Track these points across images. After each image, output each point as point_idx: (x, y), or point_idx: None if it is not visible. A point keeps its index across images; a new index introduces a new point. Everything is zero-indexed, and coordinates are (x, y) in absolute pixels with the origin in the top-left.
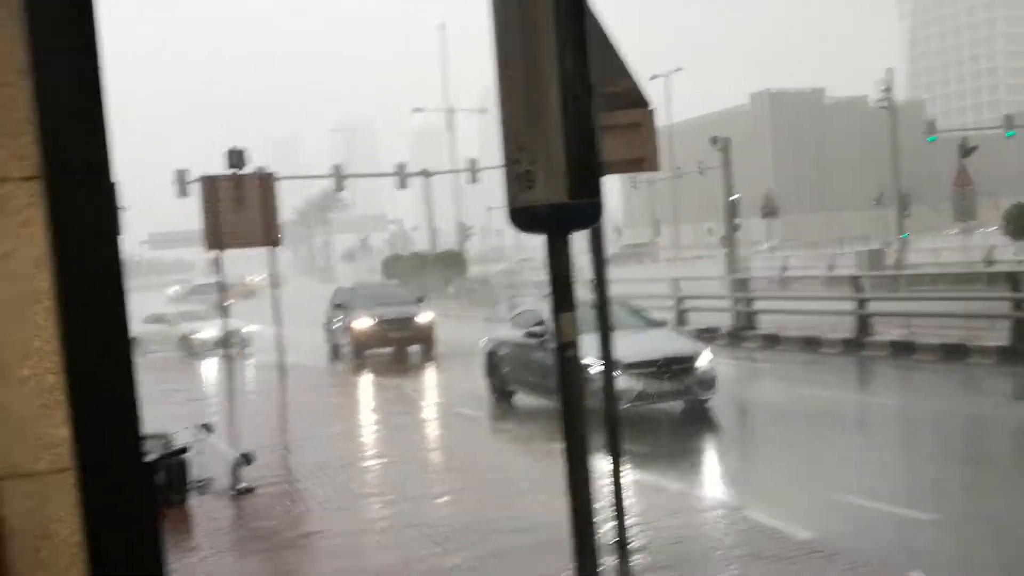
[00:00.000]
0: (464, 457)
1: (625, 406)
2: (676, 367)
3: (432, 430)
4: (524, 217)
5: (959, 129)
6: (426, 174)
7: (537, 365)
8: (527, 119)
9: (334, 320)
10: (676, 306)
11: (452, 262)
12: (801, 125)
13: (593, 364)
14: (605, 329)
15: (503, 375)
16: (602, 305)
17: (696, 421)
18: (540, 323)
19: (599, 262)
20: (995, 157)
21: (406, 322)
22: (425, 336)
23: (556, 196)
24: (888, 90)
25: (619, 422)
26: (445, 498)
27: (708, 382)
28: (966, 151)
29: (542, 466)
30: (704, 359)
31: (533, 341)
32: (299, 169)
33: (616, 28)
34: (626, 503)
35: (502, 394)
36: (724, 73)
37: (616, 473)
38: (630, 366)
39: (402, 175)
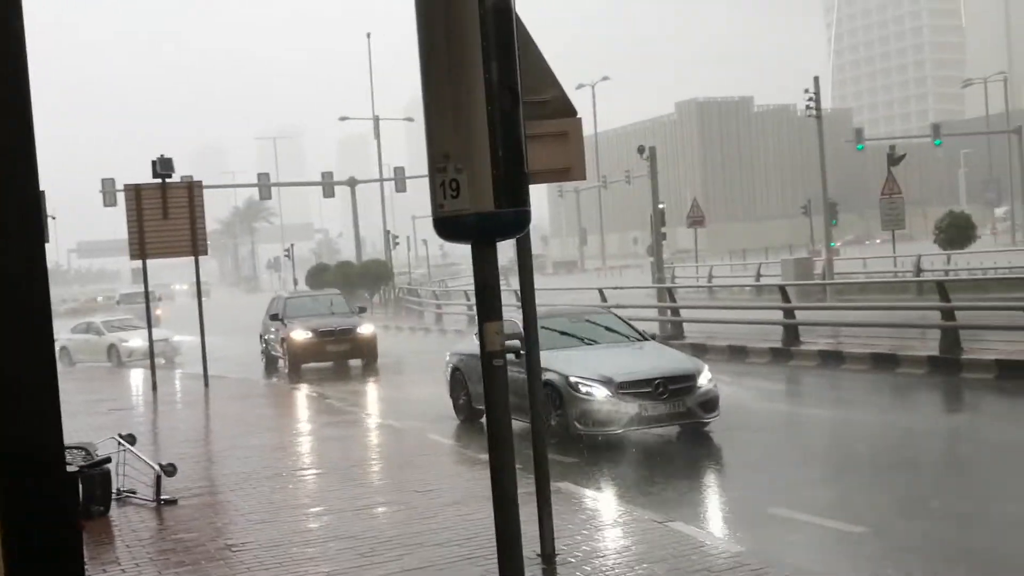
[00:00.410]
0: (395, 469)
1: (618, 431)
2: (674, 387)
3: (371, 443)
4: (449, 226)
5: (887, 138)
6: (352, 183)
7: (513, 383)
8: (453, 128)
9: (269, 331)
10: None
11: (378, 271)
12: (728, 134)
13: (588, 385)
14: (533, 338)
15: (472, 393)
16: (528, 315)
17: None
18: (516, 336)
19: (525, 271)
20: (924, 166)
21: (346, 334)
22: (366, 349)
23: (482, 205)
24: (814, 98)
25: (543, 432)
26: (374, 510)
27: (710, 403)
28: (894, 160)
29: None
30: (704, 377)
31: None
32: (225, 177)
33: (543, 37)
34: (557, 517)
35: (470, 413)
36: (652, 82)
37: (542, 484)
38: (623, 386)
39: (328, 184)
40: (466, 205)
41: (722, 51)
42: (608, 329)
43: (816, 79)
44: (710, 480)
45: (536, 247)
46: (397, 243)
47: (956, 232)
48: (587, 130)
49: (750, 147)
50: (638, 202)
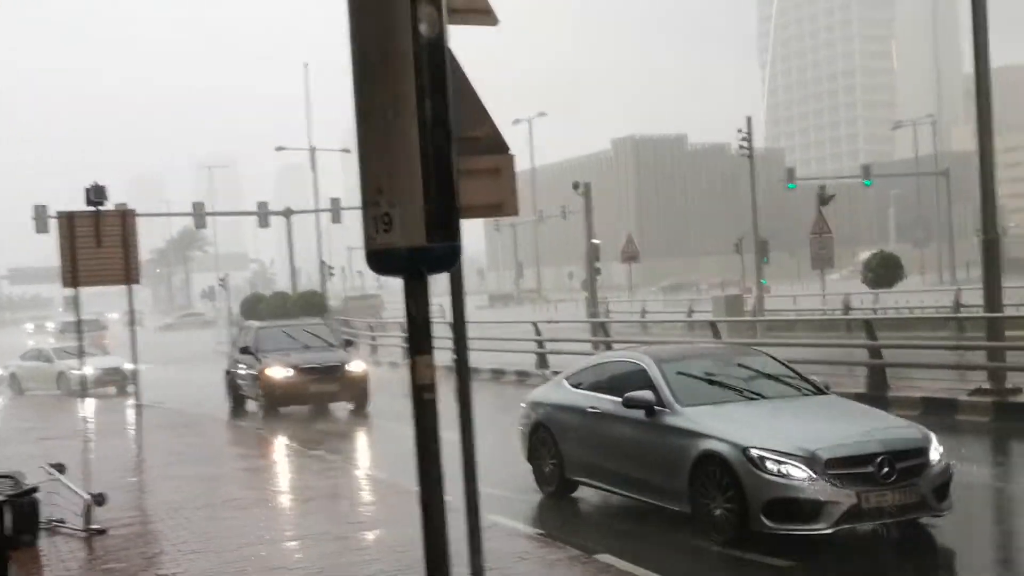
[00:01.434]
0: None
1: (827, 531)
2: (903, 464)
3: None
4: (382, 259)
5: (818, 177)
6: (288, 213)
7: (628, 448)
8: (386, 162)
9: (238, 366)
10: (537, 349)
11: (312, 303)
12: (663, 171)
13: (780, 461)
14: (465, 373)
15: (565, 458)
16: (460, 349)
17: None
18: (647, 387)
19: (458, 305)
20: (854, 205)
21: (333, 372)
22: (356, 390)
23: (414, 239)
24: (747, 138)
25: (474, 455)
26: (302, 541)
27: (944, 487)
28: (824, 199)
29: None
30: (936, 449)
31: (626, 413)
32: (162, 206)
33: (481, 74)
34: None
35: (562, 484)
36: (589, 119)
37: (472, 512)
38: (833, 464)
39: (264, 214)
40: (398, 239)
41: (659, 89)
42: (769, 376)
43: (749, 119)
44: (639, 516)
45: (473, 280)
46: (332, 274)
47: (884, 271)
48: (524, 165)
49: (684, 184)
50: (574, 237)
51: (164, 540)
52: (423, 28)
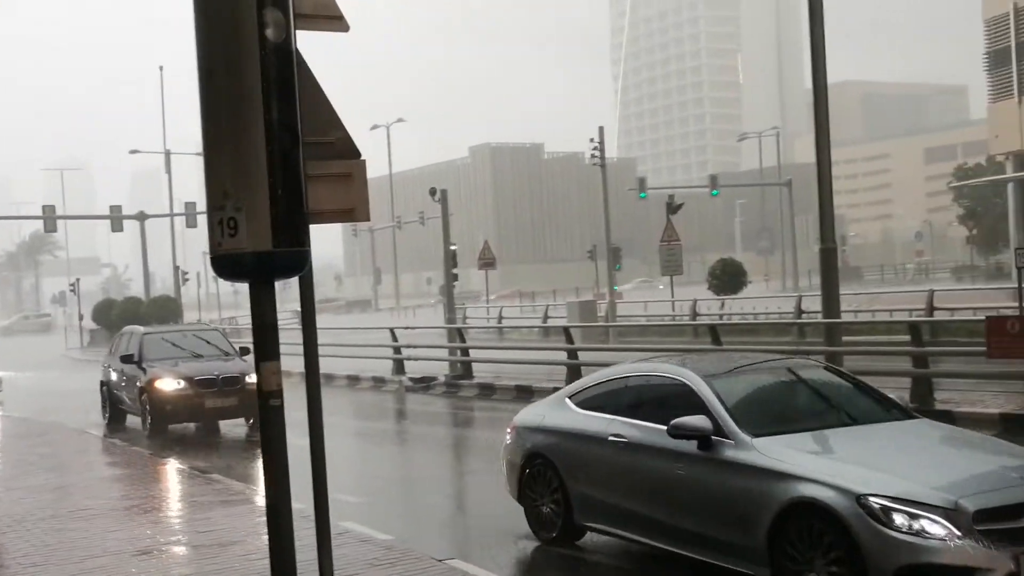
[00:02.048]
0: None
1: None
2: None
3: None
4: (227, 264)
5: (668, 187)
6: (142, 217)
7: (673, 489)
8: (232, 166)
9: (120, 378)
10: (395, 355)
11: (167, 308)
12: (520, 178)
13: (912, 513)
14: (315, 382)
15: (572, 498)
16: (310, 356)
17: None
18: (694, 410)
19: (308, 311)
20: (702, 214)
21: (232, 384)
22: (253, 405)
23: (260, 244)
24: (599, 147)
25: (325, 473)
26: (150, 553)
27: None
28: (673, 208)
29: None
30: None
31: (665, 443)
32: (11, 208)
33: (339, 79)
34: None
35: (566, 531)
36: (449, 126)
37: (322, 518)
38: (983, 517)
39: (117, 217)
40: (244, 244)
41: (518, 98)
42: (843, 394)
43: (601, 129)
44: (486, 518)
45: (330, 286)
46: (187, 280)
47: (729, 278)
48: (382, 171)
49: (541, 192)
50: (432, 243)
51: (4, 553)
52: (269, 33)
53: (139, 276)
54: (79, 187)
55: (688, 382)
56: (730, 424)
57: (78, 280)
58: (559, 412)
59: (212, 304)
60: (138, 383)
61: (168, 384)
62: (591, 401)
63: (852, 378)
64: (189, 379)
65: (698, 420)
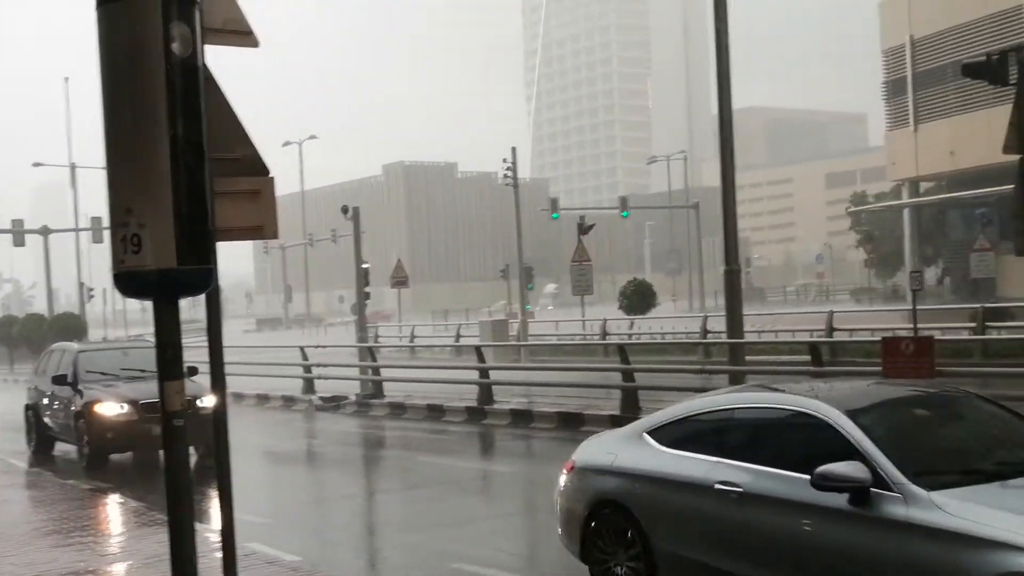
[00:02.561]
0: None
1: None
2: None
3: None
4: (130, 282)
5: (580, 208)
6: (45, 232)
7: (818, 554)
8: (136, 182)
9: (52, 401)
10: (305, 374)
11: (70, 326)
12: (434, 197)
13: None
14: (220, 401)
15: (660, 559)
16: (216, 375)
17: None
18: (838, 453)
19: (214, 330)
20: (613, 235)
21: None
22: (208, 431)
23: (164, 261)
24: (512, 168)
25: (231, 493)
26: None
27: None
28: (584, 229)
29: None
30: None
31: (803, 496)
32: None
33: (251, 96)
34: None
35: None
36: (363, 144)
37: (227, 538)
38: None
39: (19, 232)
40: (147, 261)
41: (432, 117)
42: (1011, 431)
43: (514, 149)
44: (400, 536)
45: (241, 303)
46: (92, 296)
47: (638, 298)
48: (294, 188)
49: (454, 211)
50: (345, 261)
51: None
52: (175, 47)
53: (42, 292)
54: None
55: (827, 418)
56: (894, 473)
57: None
58: (636, 450)
59: (119, 321)
60: (73, 407)
61: (110, 408)
62: (681, 438)
63: (1015, 412)
64: (133, 402)
65: (851, 468)
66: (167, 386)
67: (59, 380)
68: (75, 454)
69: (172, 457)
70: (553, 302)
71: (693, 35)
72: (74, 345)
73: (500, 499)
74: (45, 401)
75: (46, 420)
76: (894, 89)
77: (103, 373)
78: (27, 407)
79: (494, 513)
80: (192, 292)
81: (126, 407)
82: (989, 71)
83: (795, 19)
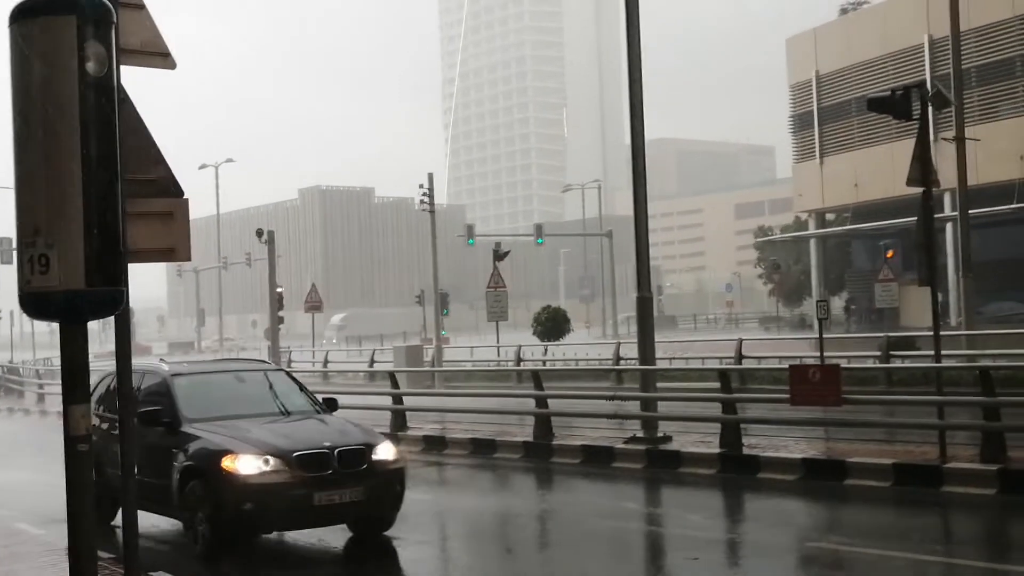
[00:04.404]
0: None
1: None
2: None
3: None
4: (37, 303)
5: (496, 234)
6: None
7: None
8: (45, 202)
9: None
10: None
11: None
12: (350, 222)
13: None
14: (130, 426)
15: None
16: (125, 399)
17: None
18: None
19: (123, 351)
20: (528, 262)
21: (356, 463)
22: (388, 498)
23: (72, 282)
24: (428, 194)
25: (136, 519)
26: None
27: None
28: (499, 255)
29: None
30: None
31: None
32: None
33: (170, 117)
34: None
35: None
36: (278, 168)
37: (130, 562)
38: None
39: None
40: (55, 282)
41: (349, 142)
42: None
43: (430, 175)
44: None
45: (153, 327)
46: (0, 318)
47: (552, 325)
48: (209, 211)
49: (370, 236)
50: (259, 285)
51: None
52: (90, 67)
53: None
54: None
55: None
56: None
57: None
58: None
59: (27, 344)
60: (179, 461)
61: (247, 464)
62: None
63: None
64: (281, 455)
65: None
66: (72, 410)
67: (149, 418)
68: (174, 531)
69: (74, 484)
70: (337, 335)
71: (607, 67)
72: (162, 365)
73: (408, 527)
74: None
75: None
76: (801, 123)
77: (215, 409)
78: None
79: (412, 540)
80: (101, 314)
81: (271, 462)
82: (893, 106)
83: (706, 54)
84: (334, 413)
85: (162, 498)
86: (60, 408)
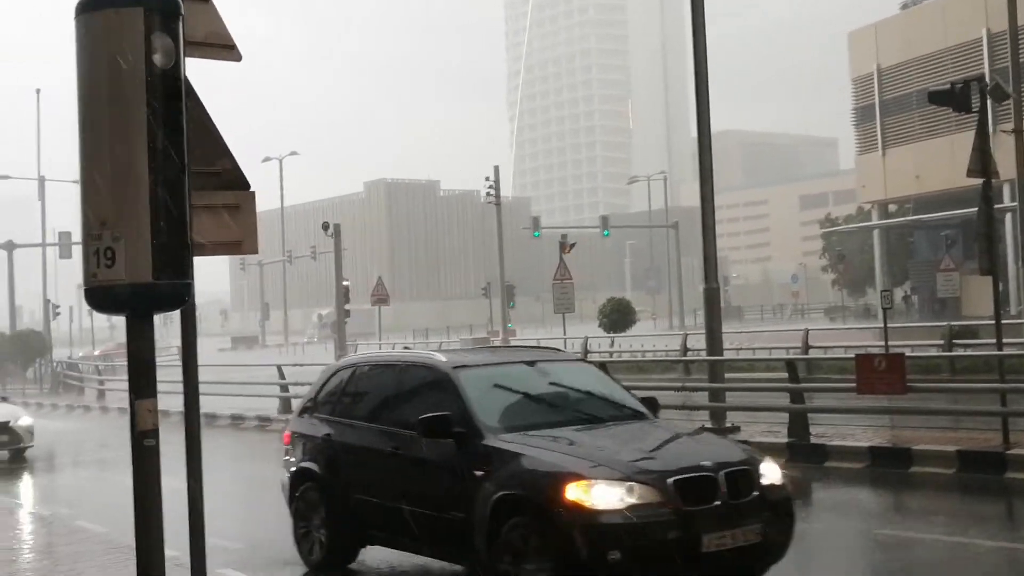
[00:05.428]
0: None
1: None
2: None
3: None
4: (102, 296)
5: (562, 227)
6: (10, 246)
7: None
8: (112, 194)
9: (392, 467)
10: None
11: (32, 344)
12: (415, 215)
13: None
14: (193, 421)
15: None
16: (191, 394)
17: None
18: None
19: (189, 346)
20: (593, 254)
21: (747, 489)
22: (785, 537)
23: (139, 276)
24: (495, 186)
25: (202, 506)
26: None
27: None
28: (566, 247)
29: None
30: None
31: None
32: None
33: (232, 109)
34: None
35: None
36: (344, 160)
37: (198, 566)
38: None
39: None
40: (121, 275)
41: (415, 135)
42: None
43: (496, 168)
44: None
45: (215, 320)
46: (58, 313)
47: (619, 316)
48: (273, 204)
49: (436, 229)
50: (324, 278)
51: None
52: (157, 59)
53: (3, 309)
54: None
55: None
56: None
57: None
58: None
59: (86, 340)
60: (486, 489)
61: (609, 494)
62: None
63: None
64: (653, 481)
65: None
66: (139, 404)
67: (435, 428)
68: None
69: (142, 478)
70: (319, 333)
71: (671, 58)
72: (437, 356)
73: None
74: (371, 470)
75: (368, 503)
76: (863, 115)
77: (521, 414)
78: (299, 477)
79: None
80: (168, 307)
81: (636, 490)
82: (953, 99)
83: (770, 47)
84: (658, 416)
85: (453, 539)
86: (122, 404)
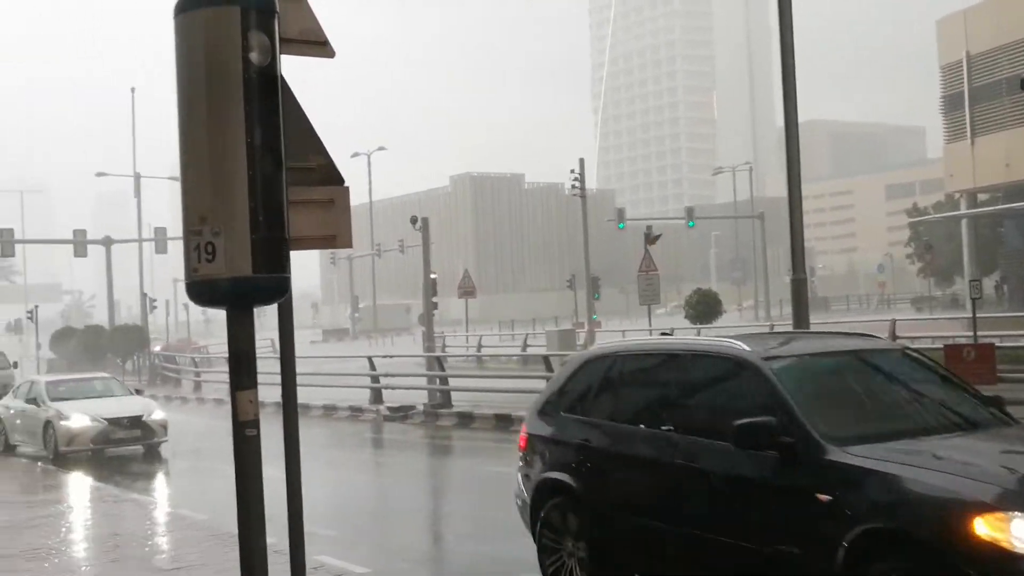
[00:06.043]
0: None
1: None
2: None
3: None
4: (204, 290)
5: (646, 218)
6: (108, 242)
7: None
8: (211, 190)
9: (719, 500)
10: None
11: (132, 336)
12: (500, 208)
13: None
14: (291, 411)
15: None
16: (288, 384)
17: None
18: None
19: (287, 339)
20: (679, 245)
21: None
22: None
23: (239, 270)
24: (579, 179)
25: (300, 493)
26: None
27: None
28: (651, 239)
29: None
30: None
31: None
32: None
33: (321, 105)
34: None
35: None
36: (429, 155)
37: (297, 552)
38: None
39: (81, 242)
40: (222, 270)
41: (499, 128)
42: None
43: (581, 160)
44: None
45: (307, 313)
46: (155, 307)
47: (704, 307)
48: (362, 198)
49: (521, 222)
50: (411, 271)
51: None
52: (254, 56)
53: (103, 303)
54: (39, 210)
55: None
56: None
57: (36, 307)
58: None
59: (181, 333)
60: (840, 519)
61: None
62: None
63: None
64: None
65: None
66: (239, 395)
67: (757, 436)
68: None
69: (243, 468)
70: (354, 329)
71: (756, 49)
72: (740, 345)
73: None
74: (650, 487)
75: (646, 527)
76: (951, 103)
77: (853, 420)
78: (546, 490)
79: None
80: (267, 301)
81: None
82: None
83: (856, 35)
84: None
85: None
86: (217, 395)
